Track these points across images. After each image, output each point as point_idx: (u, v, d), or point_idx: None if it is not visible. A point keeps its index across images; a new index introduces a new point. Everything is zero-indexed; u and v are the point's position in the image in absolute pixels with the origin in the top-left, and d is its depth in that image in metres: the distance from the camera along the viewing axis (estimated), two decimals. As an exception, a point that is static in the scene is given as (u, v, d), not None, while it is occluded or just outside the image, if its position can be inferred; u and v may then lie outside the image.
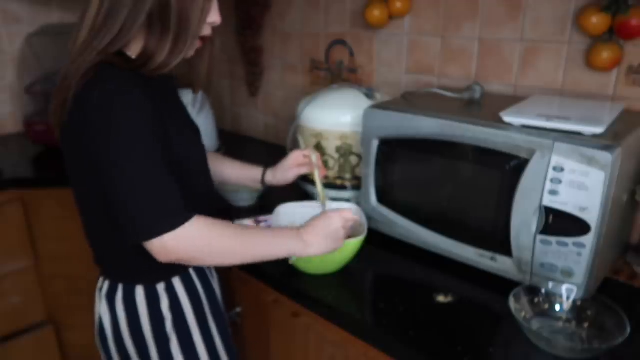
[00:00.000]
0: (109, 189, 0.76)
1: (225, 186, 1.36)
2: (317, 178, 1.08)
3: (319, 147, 1.33)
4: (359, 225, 1.04)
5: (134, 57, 0.82)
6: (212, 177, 1.04)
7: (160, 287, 0.92)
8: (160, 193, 0.77)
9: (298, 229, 0.91)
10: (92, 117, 0.75)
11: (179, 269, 0.94)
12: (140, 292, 0.90)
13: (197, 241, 0.79)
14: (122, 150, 0.75)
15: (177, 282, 0.93)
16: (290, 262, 0.92)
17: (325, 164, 1.32)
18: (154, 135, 0.78)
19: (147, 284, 0.91)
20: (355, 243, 0.98)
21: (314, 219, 0.93)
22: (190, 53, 0.86)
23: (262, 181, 1.16)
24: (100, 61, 0.77)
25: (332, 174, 1.33)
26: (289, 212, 1.12)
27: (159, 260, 0.79)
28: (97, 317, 0.95)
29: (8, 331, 1.65)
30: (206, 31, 0.86)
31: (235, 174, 1.18)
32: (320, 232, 0.91)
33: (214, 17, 0.85)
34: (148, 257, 0.79)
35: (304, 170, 1.13)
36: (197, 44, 0.87)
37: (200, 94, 1.71)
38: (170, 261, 0.79)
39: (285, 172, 1.13)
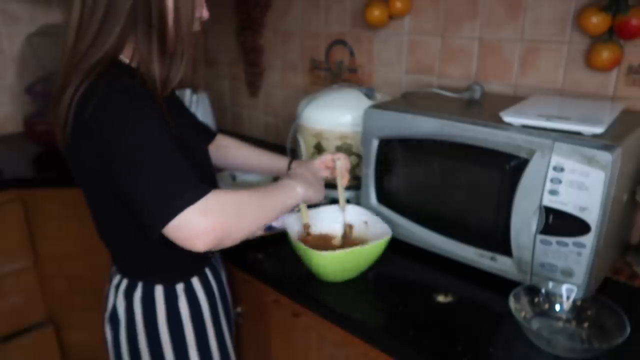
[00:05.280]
0: (125, 187, 0.74)
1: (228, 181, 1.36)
2: (339, 184, 1.09)
3: (318, 147, 1.33)
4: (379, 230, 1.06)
5: (131, 64, 0.82)
6: (224, 161, 1.03)
7: (180, 287, 0.92)
8: (177, 174, 0.74)
9: (294, 176, 0.95)
10: (93, 124, 0.74)
11: (197, 268, 0.94)
12: (159, 291, 0.91)
13: (224, 209, 0.75)
14: (132, 143, 0.73)
15: (195, 282, 0.94)
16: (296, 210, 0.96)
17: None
18: (162, 124, 0.76)
19: (166, 283, 0.91)
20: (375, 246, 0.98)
21: (299, 169, 0.99)
22: (189, 53, 0.84)
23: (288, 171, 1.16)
24: (95, 77, 0.76)
25: (332, 174, 1.33)
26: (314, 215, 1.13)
27: (196, 250, 0.73)
28: (110, 305, 0.95)
29: (8, 331, 1.65)
30: (196, 27, 0.86)
31: (253, 160, 1.18)
32: (307, 181, 0.95)
33: (204, 12, 0.85)
34: (167, 257, 0.78)
35: (327, 173, 1.11)
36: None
37: (198, 94, 1.71)
38: (209, 242, 0.73)
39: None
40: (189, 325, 0.93)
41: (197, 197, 0.73)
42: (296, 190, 0.91)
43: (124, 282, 0.93)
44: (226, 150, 1.14)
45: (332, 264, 0.96)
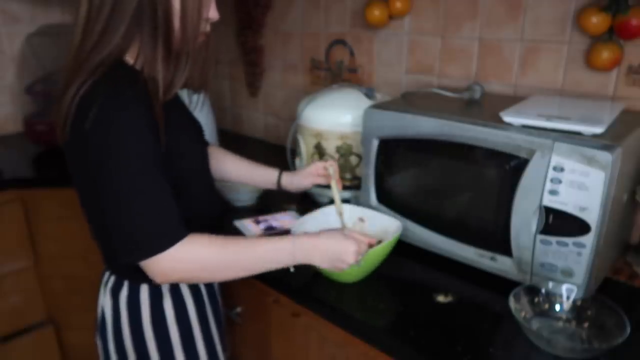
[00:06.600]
0: (104, 208, 0.76)
1: (225, 185, 1.36)
2: (335, 191, 1.08)
3: (319, 147, 1.33)
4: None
5: (136, 65, 0.81)
6: (214, 173, 1.02)
7: (165, 287, 0.92)
8: (155, 213, 0.76)
9: (298, 241, 0.86)
10: (90, 135, 0.74)
11: None
12: (144, 290, 0.91)
13: (192, 261, 0.79)
14: (117, 170, 0.74)
15: (182, 283, 0.94)
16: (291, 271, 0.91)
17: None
18: (154, 150, 0.76)
19: (152, 283, 0.91)
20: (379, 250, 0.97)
21: (331, 232, 0.89)
22: (195, 55, 0.84)
23: (278, 183, 1.16)
24: (99, 76, 0.75)
25: (332, 174, 1.33)
26: (319, 217, 1.11)
27: (157, 282, 0.79)
28: (99, 309, 0.95)
29: (8, 331, 1.65)
30: (205, 28, 0.85)
31: (243, 172, 1.17)
32: (324, 252, 0.86)
33: (212, 13, 0.84)
34: None
35: (321, 181, 1.13)
36: (200, 38, 0.85)
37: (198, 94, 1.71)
38: (169, 282, 0.78)
39: (303, 178, 1.14)
40: (174, 325, 0.92)
41: (170, 243, 0.76)
42: (293, 259, 0.85)
43: (112, 280, 0.93)
44: (217, 161, 1.13)
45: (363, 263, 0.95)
